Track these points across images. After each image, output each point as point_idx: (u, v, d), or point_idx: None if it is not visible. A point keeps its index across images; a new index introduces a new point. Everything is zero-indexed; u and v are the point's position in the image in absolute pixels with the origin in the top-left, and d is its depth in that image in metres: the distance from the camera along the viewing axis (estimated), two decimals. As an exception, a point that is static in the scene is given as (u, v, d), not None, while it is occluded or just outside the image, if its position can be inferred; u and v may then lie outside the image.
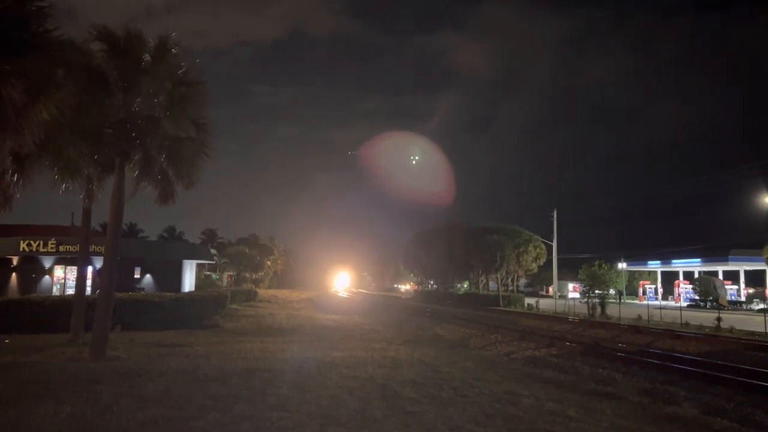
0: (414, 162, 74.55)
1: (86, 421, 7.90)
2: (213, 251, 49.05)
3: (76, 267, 35.24)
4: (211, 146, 15.65)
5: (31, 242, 33.88)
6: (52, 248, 34.01)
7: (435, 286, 78.73)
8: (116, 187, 14.12)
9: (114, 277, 14.07)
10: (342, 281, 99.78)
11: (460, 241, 58.52)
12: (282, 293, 53.72)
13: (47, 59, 8.36)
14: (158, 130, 14.41)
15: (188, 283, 40.39)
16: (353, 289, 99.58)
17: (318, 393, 10.10)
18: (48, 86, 8.44)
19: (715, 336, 24.09)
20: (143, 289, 33.84)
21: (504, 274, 59.13)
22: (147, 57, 14.26)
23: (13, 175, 12.24)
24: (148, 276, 37.13)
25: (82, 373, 11.48)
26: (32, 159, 12.31)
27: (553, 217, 67.21)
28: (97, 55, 13.92)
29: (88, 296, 17.60)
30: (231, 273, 62.37)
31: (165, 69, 14.48)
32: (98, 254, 26.83)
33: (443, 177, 70.10)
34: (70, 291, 34.27)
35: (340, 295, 72.25)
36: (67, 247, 33.90)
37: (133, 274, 36.40)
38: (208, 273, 51.69)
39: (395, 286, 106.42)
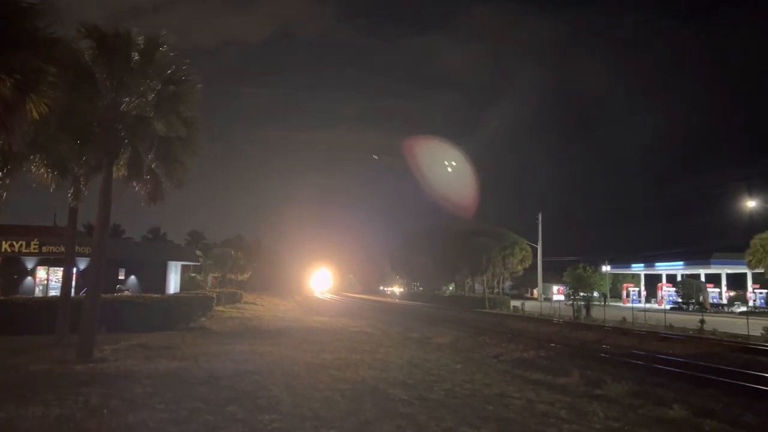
0: (450, 169, 73.57)
1: (76, 423, 7.78)
2: (198, 253, 48.76)
3: (59, 268, 34.92)
4: (200, 145, 15.60)
5: (14, 243, 33.33)
6: (34, 249, 33.49)
7: (421, 288, 78.79)
8: (104, 186, 13.95)
9: (101, 278, 13.93)
10: (325, 283, 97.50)
11: (447, 243, 58.64)
12: (264, 299, 53.13)
13: (39, 57, 8.24)
14: (147, 129, 14.25)
15: (173, 284, 40.03)
16: (344, 293, 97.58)
17: (309, 395, 10.05)
18: (38, 84, 8.32)
19: (699, 338, 24.34)
20: (128, 290, 33.45)
21: (490, 276, 59.32)
22: (136, 56, 14.09)
23: (1, 174, 12.05)
24: (132, 277, 36.70)
25: (69, 375, 11.32)
26: (21, 158, 12.14)
27: (538, 220, 67.62)
28: (85, 54, 13.76)
29: (73, 297, 17.36)
30: (216, 275, 61.94)
31: (154, 68, 14.35)
32: (82, 255, 26.59)
33: (467, 188, 68.81)
34: (53, 292, 33.79)
35: (322, 297, 71.15)
36: (50, 247, 33.38)
37: (117, 276, 35.98)
38: (193, 274, 51.30)
39: (382, 288, 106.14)
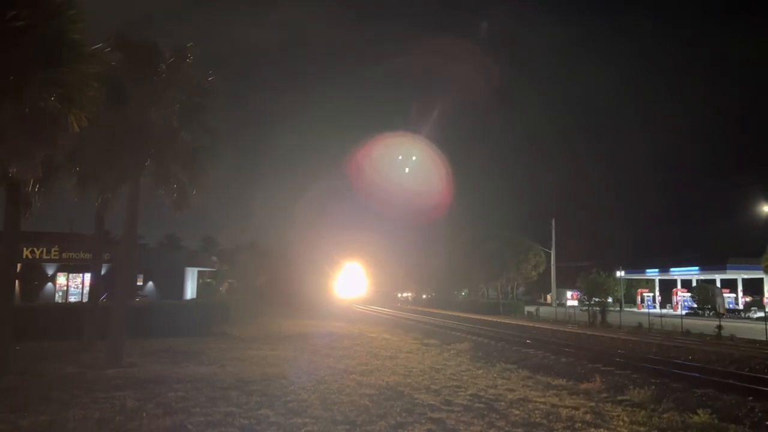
0: (408, 167, 72.38)
1: (117, 426, 8.04)
2: (214, 259, 49.19)
3: (78, 274, 35.45)
4: (224, 154, 15.93)
5: (35, 249, 33.81)
6: (55, 255, 33.98)
7: (434, 294, 78.80)
8: (131, 195, 14.28)
9: (130, 284, 14.24)
10: (357, 289, 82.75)
11: (461, 248, 58.74)
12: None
13: (81, 71, 8.54)
14: (174, 139, 14.59)
15: (190, 290, 40.44)
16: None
17: (337, 399, 10.26)
18: (81, 98, 8.62)
19: (717, 344, 24.32)
20: (146, 296, 33.88)
21: (504, 281, 59.31)
22: (163, 67, 14.45)
23: (36, 184, 12.39)
24: (150, 283, 37.11)
25: (101, 379, 11.61)
26: (57, 168, 12.46)
27: (551, 225, 67.56)
28: (113, 65, 14.09)
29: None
30: (231, 280, 62.43)
31: (180, 79, 14.69)
32: (103, 261, 26.92)
33: (440, 179, 67.45)
34: (73, 298, 34.33)
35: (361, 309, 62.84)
36: (70, 254, 33.87)
37: (136, 282, 36.39)
38: (208, 280, 51.75)
39: (399, 294, 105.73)
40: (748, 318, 48.37)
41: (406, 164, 73.69)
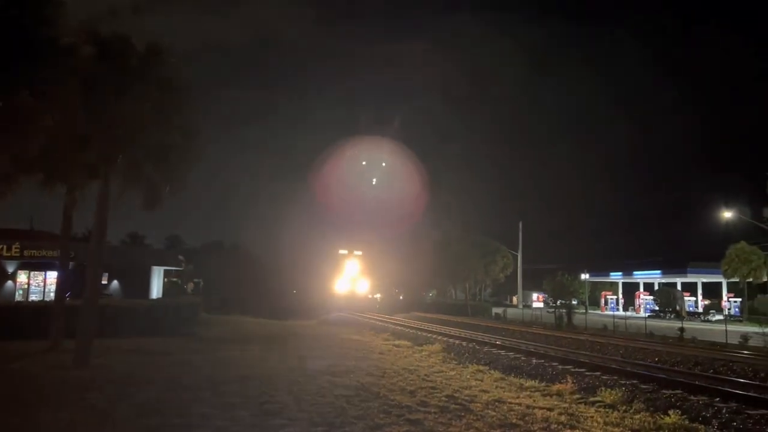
0: (374, 170, 72.17)
1: (89, 428, 7.86)
2: (181, 257, 48.39)
3: (39, 272, 34.50)
4: (197, 152, 15.68)
5: (-6, 246, 32.79)
6: (16, 253, 33.02)
7: (402, 296, 78.88)
8: (101, 193, 13.96)
9: (98, 283, 13.92)
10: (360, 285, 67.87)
11: (429, 250, 58.96)
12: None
13: (56, 66, 8.32)
14: (145, 136, 14.28)
15: (156, 289, 39.73)
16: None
17: (314, 401, 10.19)
18: (56, 93, 8.39)
19: (680, 346, 24.92)
20: (111, 294, 33.16)
21: (472, 283, 59.74)
22: (135, 62, 14.16)
23: (3, 180, 12.01)
24: (114, 282, 36.34)
25: (69, 380, 11.34)
26: (25, 163, 12.12)
27: (519, 228, 68.42)
28: (84, 59, 13.75)
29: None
30: (196, 280, 61.59)
31: (152, 74, 14.40)
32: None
33: (409, 180, 67.21)
34: (33, 297, 33.37)
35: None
36: (32, 251, 32.97)
37: (101, 280, 35.57)
38: (175, 279, 50.97)
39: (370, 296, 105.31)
40: (708, 321, 49.65)
41: (373, 167, 73.68)
